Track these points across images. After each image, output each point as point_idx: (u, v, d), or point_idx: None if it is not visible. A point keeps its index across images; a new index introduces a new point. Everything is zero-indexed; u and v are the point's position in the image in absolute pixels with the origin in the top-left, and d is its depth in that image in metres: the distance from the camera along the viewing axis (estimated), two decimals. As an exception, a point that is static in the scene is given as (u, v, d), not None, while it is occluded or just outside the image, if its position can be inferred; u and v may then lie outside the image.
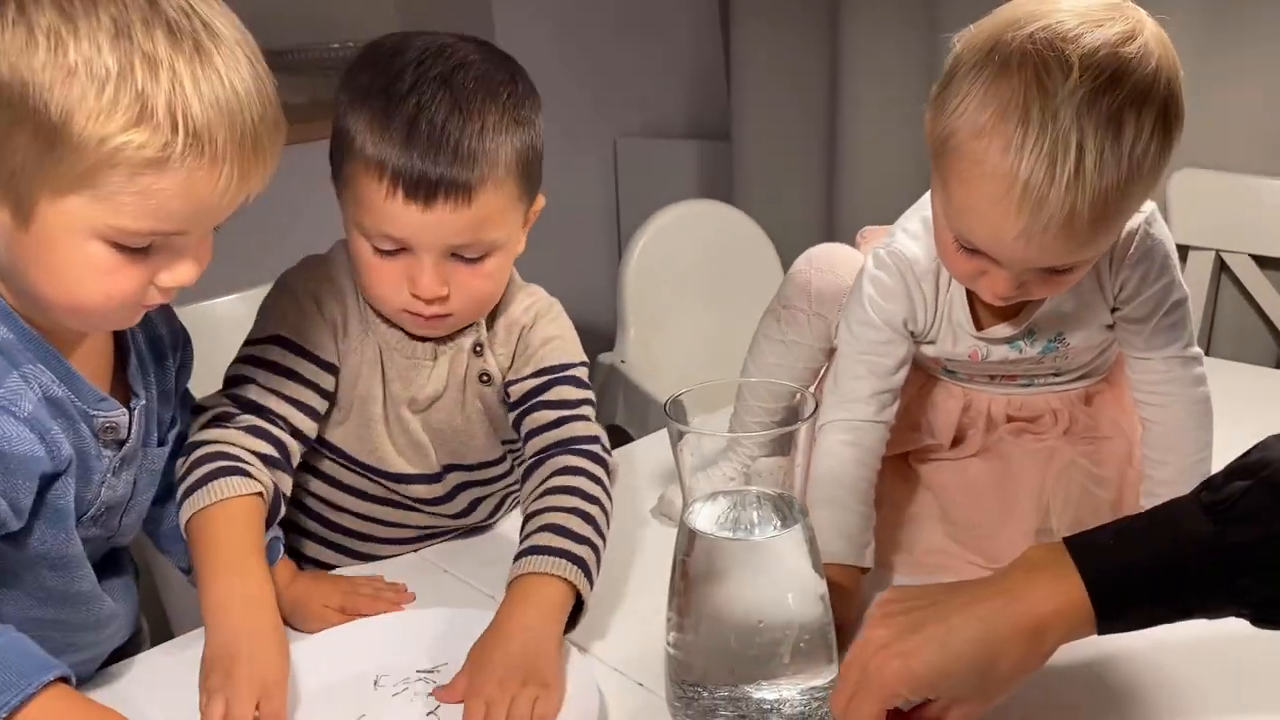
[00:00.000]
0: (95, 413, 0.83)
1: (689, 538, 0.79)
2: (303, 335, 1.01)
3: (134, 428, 0.87)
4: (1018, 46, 0.82)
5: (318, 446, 1.05)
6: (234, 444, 0.96)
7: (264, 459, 0.97)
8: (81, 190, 0.72)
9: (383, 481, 1.07)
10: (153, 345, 0.92)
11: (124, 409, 0.86)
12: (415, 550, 1.12)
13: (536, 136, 0.98)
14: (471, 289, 0.98)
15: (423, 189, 0.91)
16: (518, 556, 0.94)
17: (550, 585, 0.91)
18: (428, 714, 0.88)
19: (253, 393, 0.99)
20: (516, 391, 1.06)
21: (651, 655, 0.87)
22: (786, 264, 1.18)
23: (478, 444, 1.08)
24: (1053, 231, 0.83)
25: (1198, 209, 1.80)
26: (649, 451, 1.31)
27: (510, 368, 1.07)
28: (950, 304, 1.01)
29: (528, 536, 0.96)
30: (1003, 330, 1.01)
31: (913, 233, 1.02)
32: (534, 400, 1.05)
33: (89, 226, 0.74)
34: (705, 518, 0.80)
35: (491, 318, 1.06)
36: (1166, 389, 1.02)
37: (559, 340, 1.07)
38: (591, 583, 0.94)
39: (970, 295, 1.00)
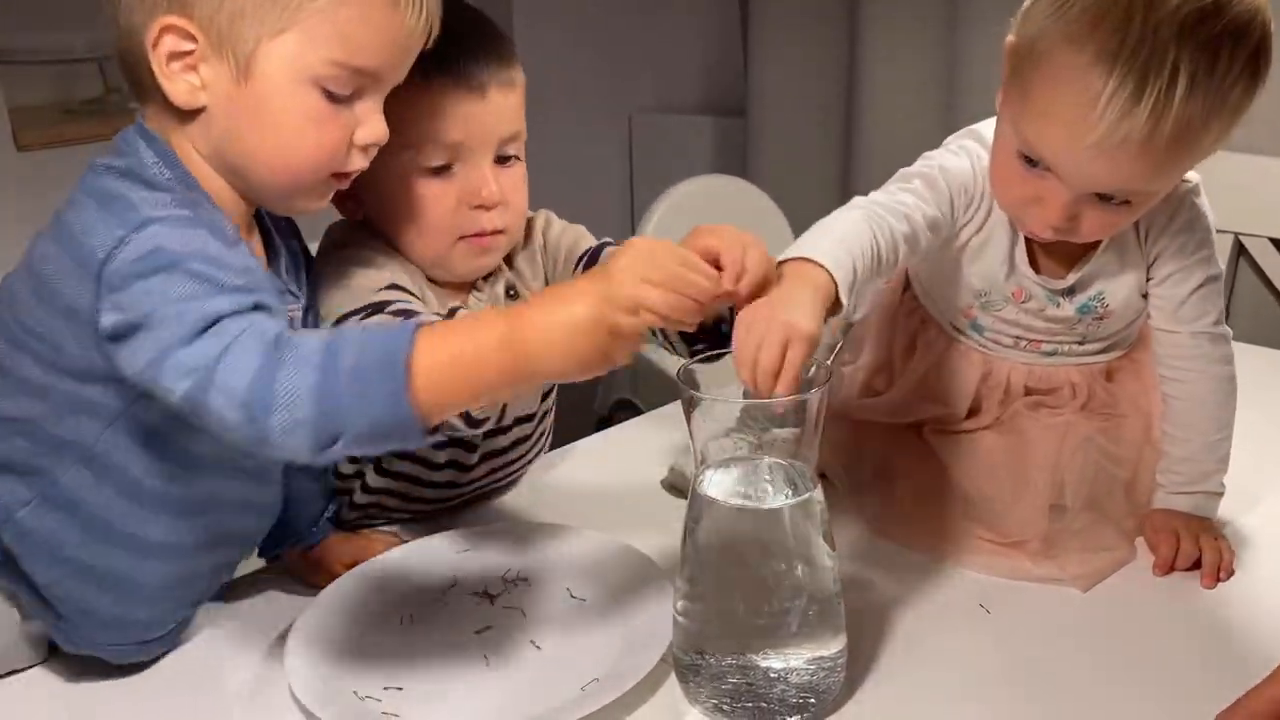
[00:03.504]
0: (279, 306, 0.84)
1: (699, 505, 0.79)
2: (405, 282, 0.98)
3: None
4: None
5: None
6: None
7: None
8: (291, 27, 0.78)
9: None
10: (293, 257, 0.93)
11: (299, 302, 0.90)
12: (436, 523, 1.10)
13: None
14: (515, 196, 1.00)
15: (476, 77, 0.94)
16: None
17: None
18: (476, 631, 0.91)
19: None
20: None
21: (660, 623, 0.86)
22: (801, 239, 1.16)
23: None
24: (1129, 148, 0.82)
25: (1217, 191, 1.75)
26: (658, 425, 1.31)
27: (552, 279, 1.08)
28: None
29: None
30: (1052, 274, 1.00)
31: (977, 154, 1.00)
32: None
33: (303, 70, 0.79)
34: (716, 485, 0.79)
35: (510, 259, 1.07)
36: (1192, 364, 1.01)
37: (578, 230, 1.10)
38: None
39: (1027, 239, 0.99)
